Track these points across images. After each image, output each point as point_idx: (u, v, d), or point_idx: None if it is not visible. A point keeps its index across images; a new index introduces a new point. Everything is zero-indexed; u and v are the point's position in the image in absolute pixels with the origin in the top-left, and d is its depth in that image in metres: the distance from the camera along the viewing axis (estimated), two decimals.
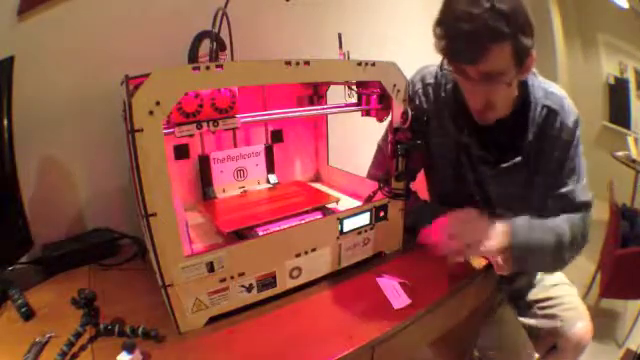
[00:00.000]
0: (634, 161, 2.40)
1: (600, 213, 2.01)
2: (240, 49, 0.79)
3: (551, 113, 0.75)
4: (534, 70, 0.75)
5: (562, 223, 0.75)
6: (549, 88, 0.77)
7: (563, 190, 0.77)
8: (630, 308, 1.74)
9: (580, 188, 0.77)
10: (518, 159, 0.78)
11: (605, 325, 1.68)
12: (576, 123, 0.76)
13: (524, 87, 0.76)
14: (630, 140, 2.51)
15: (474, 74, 0.66)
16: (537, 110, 0.75)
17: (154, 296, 0.64)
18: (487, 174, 0.82)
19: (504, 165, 0.79)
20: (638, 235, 1.62)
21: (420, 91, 0.86)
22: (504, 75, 0.66)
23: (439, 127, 0.83)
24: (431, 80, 0.85)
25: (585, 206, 0.78)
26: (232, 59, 0.77)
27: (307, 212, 0.75)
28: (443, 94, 0.82)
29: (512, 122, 0.76)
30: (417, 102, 0.85)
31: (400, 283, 0.73)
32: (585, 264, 1.94)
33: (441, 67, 0.71)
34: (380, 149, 0.97)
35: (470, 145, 0.81)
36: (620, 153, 2.51)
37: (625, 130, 2.83)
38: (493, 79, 0.66)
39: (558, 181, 0.77)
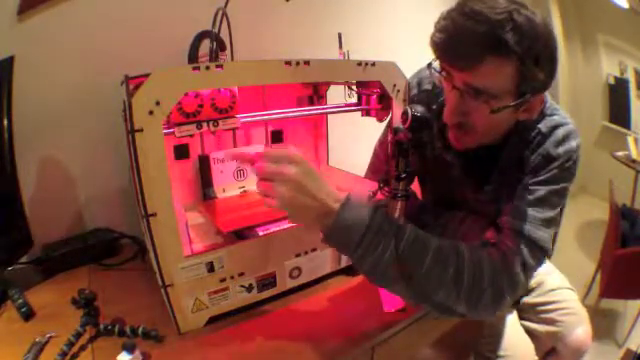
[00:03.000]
0: (634, 161, 2.41)
1: (600, 213, 2.02)
2: (240, 49, 0.79)
3: (537, 136, 0.64)
4: (545, 93, 0.65)
5: (465, 249, 0.55)
6: (550, 115, 0.66)
7: (504, 206, 0.63)
8: (630, 308, 1.74)
9: (529, 215, 0.60)
10: (492, 189, 0.70)
11: (605, 325, 1.68)
12: (566, 155, 0.63)
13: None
14: (630, 140, 2.51)
15: (459, 83, 0.57)
16: (524, 134, 0.66)
17: (154, 296, 0.64)
18: (471, 199, 0.79)
19: (483, 196, 0.73)
20: (638, 235, 1.62)
21: (415, 98, 0.79)
22: (494, 99, 0.55)
23: (430, 141, 0.77)
24: (428, 87, 0.78)
25: (526, 239, 0.58)
26: (232, 59, 0.77)
27: None
28: (435, 106, 0.73)
29: (498, 149, 0.68)
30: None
31: None
32: (585, 264, 1.94)
33: (429, 65, 0.62)
34: (376, 154, 0.96)
35: (453, 165, 0.75)
36: (620, 153, 2.52)
37: (625, 130, 2.83)
38: (479, 96, 0.56)
39: (503, 207, 0.64)
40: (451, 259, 0.54)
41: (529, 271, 0.58)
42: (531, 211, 0.61)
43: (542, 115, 0.66)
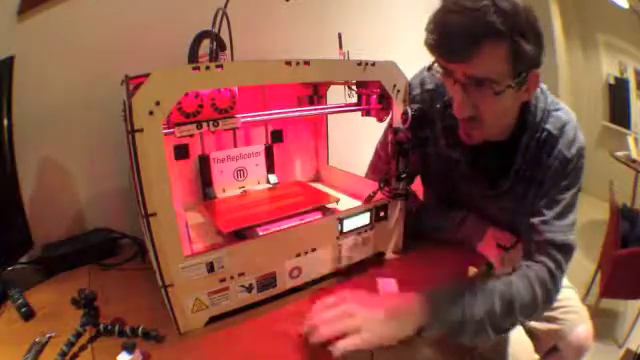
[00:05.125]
0: (634, 161, 2.41)
1: (600, 213, 2.02)
2: (240, 49, 0.79)
3: (549, 138, 0.68)
4: (543, 87, 0.70)
5: (517, 281, 0.63)
6: (555, 110, 0.69)
7: (535, 220, 0.68)
8: (630, 308, 1.74)
9: (560, 225, 0.67)
10: (505, 187, 0.73)
11: (605, 325, 1.68)
12: (578, 155, 0.68)
13: (525, 109, 0.68)
14: (630, 140, 2.51)
15: (461, 76, 0.60)
16: (535, 135, 0.69)
17: (154, 296, 0.64)
18: (476, 195, 0.80)
19: (490, 192, 0.75)
20: (638, 235, 1.62)
21: (418, 97, 0.80)
22: (496, 83, 0.58)
23: (433, 138, 0.80)
24: (431, 86, 0.80)
25: (562, 249, 0.66)
26: (232, 59, 0.77)
27: (307, 212, 0.75)
28: (438, 105, 0.76)
29: (506, 145, 0.70)
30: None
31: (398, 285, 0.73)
32: (585, 264, 1.94)
33: (429, 67, 0.65)
34: (377, 154, 0.96)
35: (460, 163, 0.77)
36: (620, 153, 2.52)
37: (625, 130, 2.83)
38: (482, 85, 0.59)
39: (534, 208, 0.70)
40: (515, 300, 0.61)
41: (565, 271, 0.67)
42: (561, 220, 0.68)
43: (547, 112, 0.69)
